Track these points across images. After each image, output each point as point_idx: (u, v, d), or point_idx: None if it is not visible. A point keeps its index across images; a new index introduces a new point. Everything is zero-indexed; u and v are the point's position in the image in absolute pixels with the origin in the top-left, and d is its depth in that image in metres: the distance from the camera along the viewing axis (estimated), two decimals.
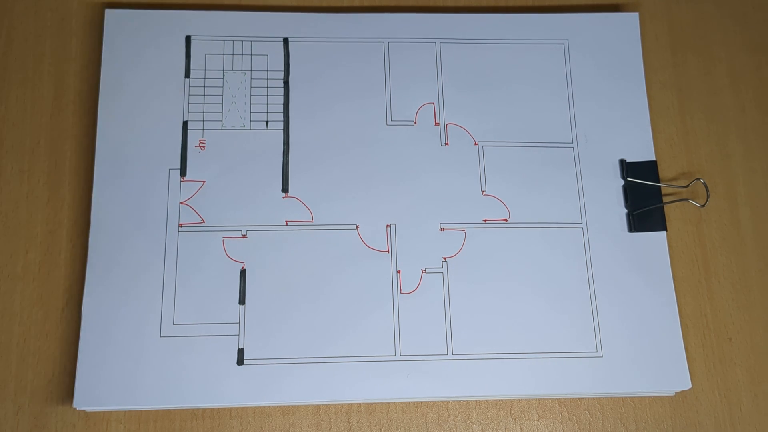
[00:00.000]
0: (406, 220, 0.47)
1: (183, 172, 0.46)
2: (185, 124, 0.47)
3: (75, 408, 0.42)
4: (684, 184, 0.49)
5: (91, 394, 0.42)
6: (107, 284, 0.44)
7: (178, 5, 0.51)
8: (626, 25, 0.52)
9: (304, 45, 0.50)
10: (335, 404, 0.44)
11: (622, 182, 0.48)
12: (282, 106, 0.48)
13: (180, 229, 0.45)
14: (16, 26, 0.49)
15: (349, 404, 0.44)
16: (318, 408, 0.44)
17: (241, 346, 0.43)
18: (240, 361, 0.43)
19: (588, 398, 0.45)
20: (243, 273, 0.45)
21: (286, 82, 0.49)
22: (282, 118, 0.48)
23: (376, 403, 0.44)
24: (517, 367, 0.44)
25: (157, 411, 0.43)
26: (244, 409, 0.44)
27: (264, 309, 0.44)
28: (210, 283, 0.44)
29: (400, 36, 0.50)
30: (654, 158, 0.49)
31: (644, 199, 0.48)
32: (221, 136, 0.47)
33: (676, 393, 0.46)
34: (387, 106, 0.49)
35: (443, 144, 0.48)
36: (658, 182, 0.48)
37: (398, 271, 0.46)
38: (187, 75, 0.48)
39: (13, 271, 0.45)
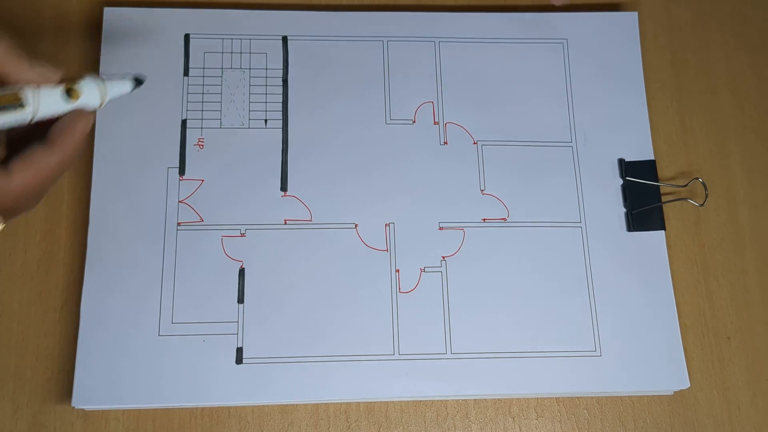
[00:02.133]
0: (405, 219, 0.47)
1: (182, 171, 0.46)
2: (184, 122, 0.47)
3: (74, 407, 0.42)
4: (683, 184, 0.49)
5: (90, 392, 0.42)
6: (106, 283, 0.44)
7: (177, 3, 0.50)
8: (625, 24, 0.52)
9: (303, 43, 0.49)
10: (334, 403, 0.44)
11: (621, 181, 0.48)
12: (281, 104, 0.48)
13: (179, 227, 0.45)
14: (15, 25, 0.49)
15: (347, 403, 0.44)
16: (317, 407, 0.44)
17: (239, 345, 0.43)
18: (239, 359, 0.43)
19: (587, 397, 0.45)
20: (242, 272, 0.45)
21: (285, 81, 0.49)
22: (281, 117, 0.48)
23: (374, 402, 0.44)
24: (515, 367, 0.44)
25: (155, 410, 0.43)
26: (243, 408, 0.44)
27: (263, 308, 0.44)
28: (209, 282, 0.44)
29: (399, 35, 0.50)
30: (653, 157, 0.49)
31: (643, 199, 0.48)
32: (220, 134, 0.47)
33: (674, 392, 0.46)
34: (386, 105, 0.49)
35: (442, 143, 0.48)
36: (657, 181, 0.48)
37: (397, 270, 0.46)
38: (186, 73, 0.48)
39: (12, 270, 0.45)
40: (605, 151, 0.49)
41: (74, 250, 0.45)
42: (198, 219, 0.46)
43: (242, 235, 0.45)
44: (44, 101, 0.32)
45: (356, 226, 0.46)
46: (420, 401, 0.45)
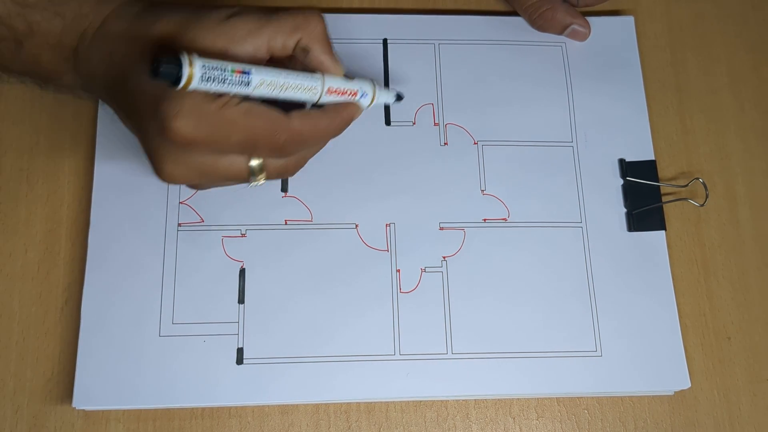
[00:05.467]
0: (406, 220, 0.47)
1: None
2: None
3: (74, 407, 0.42)
4: (683, 184, 0.49)
5: (91, 393, 0.42)
6: (106, 283, 0.44)
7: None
8: (622, 28, 0.52)
9: None
10: (334, 403, 0.44)
11: (622, 182, 0.48)
12: None
13: (179, 228, 0.45)
14: None
15: (348, 403, 0.44)
16: (317, 407, 0.44)
17: (240, 346, 0.43)
18: (239, 360, 0.43)
19: (587, 398, 0.45)
20: (242, 272, 0.45)
21: None
22: None
23: (375, 403, 0.44)
24: (516, 367, 0.44)
25: (156, 410, 0.43)
26: (243, 408, 0.44)
27: (263, 308, 0.44)
28: (209, 283, 0.44)
29: (399, 37, 0.50)
30: (653, 158, 0.49)
31: (643, 199, 0.48)
32: None
33: (675, 392, 0.46)
34: (386, 107, 0.49)
35: (442, 144, 0.48)
36: (658, 182, 0.48)
37: (398, 270, 0.46)
38: None
39: (12, 271, 0.45)
40: (605, 151, 0.49)
41: (75, 250, 0.45)
42: (198, 219, 0.46)
43: (243, 235, 0.45)
44: (328, 94, 0.37)
45: (357, 226, 0.46)
46: (420, 401, 0.45)
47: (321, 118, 0.37)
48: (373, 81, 0.40)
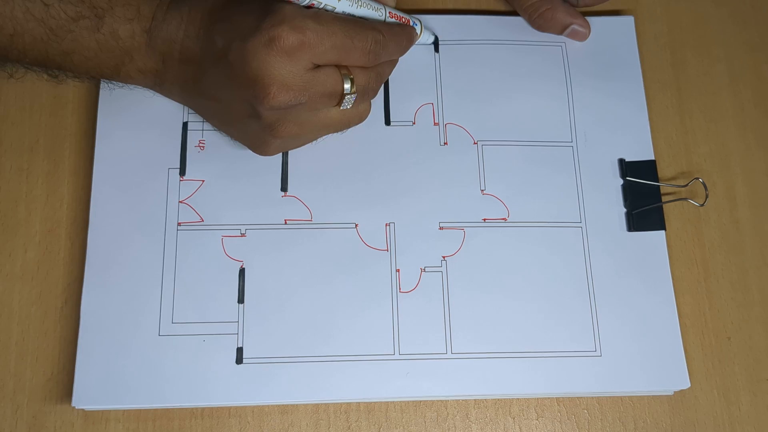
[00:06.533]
0: (406, 219, 0.47)
1: (182, 172, 0.46)
2: (185, 125, 0.47)
3: (74, 407, 0.42)
4: (683, 184, 0.49)
5: (90, 392, 0.42)
6: (106, 283, 0.44)
7: None
8: (622, 28, 0.52)
9: None
10: (334, 403, 0.44)
11: (621, 181, 0.48)
12: None
13: (179, 227, 0.45)
14: None
15: (348, 403, 0.44)
16: (317, 407, 0.44)
17: (240, 345, 0.43)
18: (239, 359, 0.43)
19: (587, 397, 0.45)
20: (242, 272, 0.45)
21: None
22: None
23: (375, 402, 0.44)
24: (516, 367, 0.44)
25: (156, 410, 0.43)
26: (243, 408, 0.44)
27: (263, 308, 0.44)
28: (209, 282, 0.44)
29: None
30: (653, 158, 0.49)
31: (643, 199, 0.48)
32: (221, 136, 0.47)
33: (674, 392, 0.46)
34: (386, 108, 0.49)
35: (442, 143, 0.48)
36: (657, 181, 0.48)
37: (397, 270, 0.46)
38: None
39: (12, 270, 0.45)
40: (605, 151, 0.49)
41: (74, 250, 0.45)
42: (198, 219, 0.46)
43: (242, 235, 0.45)
44: (390, 17, 0.44)
45: (356, 225, 0.46)
46: (420, 401, 0.45)
47: (394, 25, 0.44)
48: (419, 19, 0.48)
